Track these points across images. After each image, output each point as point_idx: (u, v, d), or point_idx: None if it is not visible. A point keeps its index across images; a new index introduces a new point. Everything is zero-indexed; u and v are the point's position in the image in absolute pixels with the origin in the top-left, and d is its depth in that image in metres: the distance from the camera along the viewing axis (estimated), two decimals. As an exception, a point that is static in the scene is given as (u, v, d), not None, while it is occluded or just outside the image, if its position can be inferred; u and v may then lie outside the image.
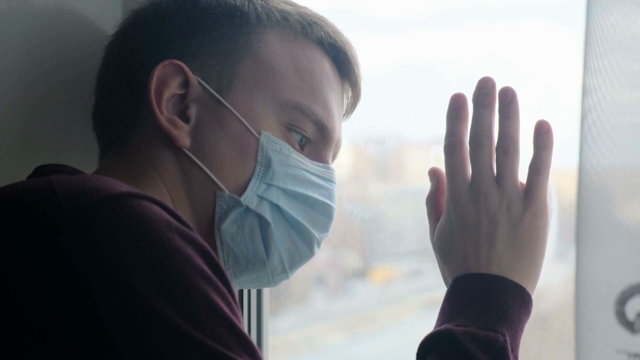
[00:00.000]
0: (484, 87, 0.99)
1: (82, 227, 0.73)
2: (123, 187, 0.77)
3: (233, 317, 0.75)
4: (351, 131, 1.10)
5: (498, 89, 0.99)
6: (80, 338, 0.71)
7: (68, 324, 0.71)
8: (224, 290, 0.76)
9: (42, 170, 0.92)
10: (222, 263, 0.97)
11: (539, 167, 0.97)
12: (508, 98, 0.98)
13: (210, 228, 0.96)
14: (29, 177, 0.93)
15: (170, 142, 0.96)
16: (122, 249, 0.73)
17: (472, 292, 0.93)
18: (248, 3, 0.99)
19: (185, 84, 0.96)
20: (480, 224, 0.95)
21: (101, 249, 0.73)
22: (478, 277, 0.94)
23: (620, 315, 1.08)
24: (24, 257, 0.73)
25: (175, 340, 0.71)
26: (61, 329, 0.71)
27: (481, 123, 0.98)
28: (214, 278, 0.75)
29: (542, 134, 0.98)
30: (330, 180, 1.01)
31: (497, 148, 0.97)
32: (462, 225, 0.96)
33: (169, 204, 0.92)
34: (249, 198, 0.95)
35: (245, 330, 0.76)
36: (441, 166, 1.01)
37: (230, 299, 0.76)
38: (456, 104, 1.00)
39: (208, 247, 0.77)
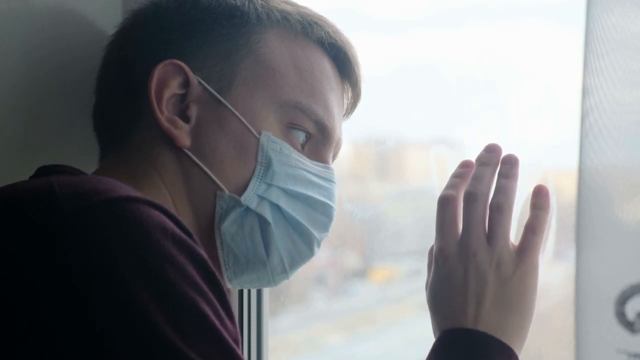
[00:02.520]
0: (490, 150, 0.99)
1: (79, 230, 0.73)
2: (122, 190, 0.77)
3: (222, 330, 0.74)
4: (351, 131, 1.10)
5: (498, 87, 0.99)
6: (71, 340, 0.71)
7: (60, 326, 0.71)
8: (215, 302, 0.76)
9: (44, 171, 0.92)
10: (222, 266, 0.97)
11: (535, 227, 0.96)
12: (511, 162, 0.98)
13: (210, 228, 0.96)
14: (30, 178, 0.93)
15: (170, 142, 0.96)
16: (116, 253, 0.73)
17: (458, 347, 0.93)
18: (248, 3, 0.99)
19: (186, 84, 0.96)
20: (468, 282, 0.94)
21: (96, 252, 0.73)
22: (465, 332, 0.93)
23: (620, 315, 1.08)
24: (22, 257, 0.73)
25: (159, 347, 0.71)
26: (53, 330, 0.71)
27: (480, 178, 0.97)
28: (205, 289, 0.75)
29: (542, 196, 0.98)
30: (330, 180, 1.01)
31: (490, 205, 0.96)
32: (450, 282, 0.95)
33: (170, 208, 0.92)
34: (249, 198, 0.95)
35: (232, 343, 0.75)
36: (441, 167, 1.01)
37: (222, 311, 0.76)
38: (463, 167, 1.00)
39: (204, 257, 0.77)
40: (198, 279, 0.75)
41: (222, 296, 0.77)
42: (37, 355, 0.71)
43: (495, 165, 0.98)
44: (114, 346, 0.71)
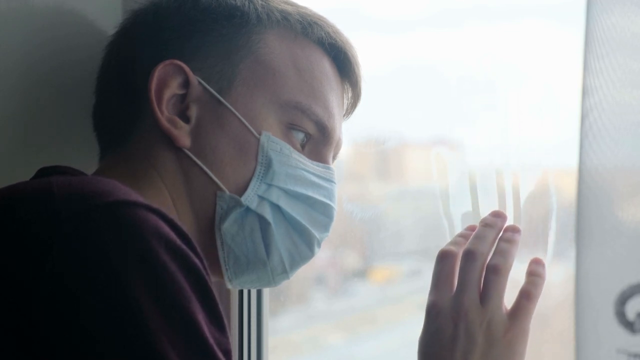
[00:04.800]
0: (496, 215, 1.00)
1: (76, 233, 0.73)
2: (121, 193, 0.77)
3: (209, 340, 0.74)
4: (351, 131, 1.10)
5: (498, 87, 0.99)
6: (63, 341, 0.71)
7: (54, 327, 0.71)
8: (204, 312, 0.75)
9: (45, 173, 0.92)
10: (223, 266, 0.97)
11: (530, 292, 0.96)
12: (514, 229, 0.99)
13: (210, 228, 0.96)
14: (31, 179, 0.93)
15: (170, 142, 0.96)
16: (111, 257, 0.73)
17: None
18: (248, 3, 0.99)
19: (186, 84, 0.96)
20: (457, 340, 0.93)
21: (91, 255, 0.73)
22: None
23: (620, 315, 1.08)
24: (19, 258, 0.73)
25: (143, 351, 0.71)
26: (47, 332, 0.71)
27: (481, 238, 0.97)
28: (194, 299, 0.75)
29: (539, 265, 0.98)
30: (330, 180, 1.01)
31: (488, 266, 0.96)
32: (440, 338, 0.94)
33: (170, 208, 0.92)
34: (249, 198, 0.95)
35: (219, 354, 0.75)
36: (441, 167, 1.01)
37: (211, 321, 0.76)
38: (470, 229, 1.01)
39: (197, 265, 0.77)
40: (188, 288, 0.75)
41: (212, 306, 0.77)
42: (28, 355, 0.71)
43: (499, 230, 0.99)
44: (105, 348, 0.71)
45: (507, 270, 0.96)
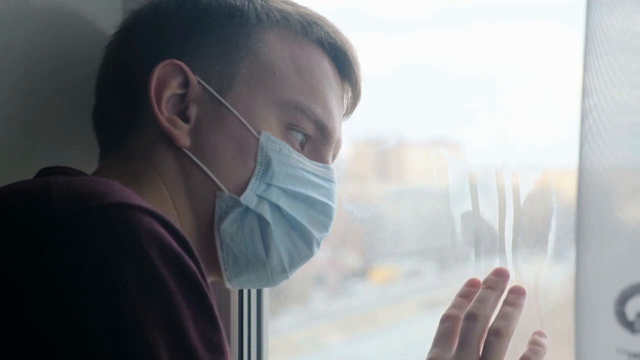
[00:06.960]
0: (498, 274, 1.01)
1: (72, 234, 0.74)
2: (118, 195, 0.77)
3: (196, 345, 0.74)
4: (351, 131, 1.10)
5: (498, 87, 0.99)
6: (57, 341, 0.71)
7: (46, 327, 0.71)
8: (196, 316, 0.75)
9: (46, 173, 0.92)
10: (222, 266, 0.97)
11: None
12: (519, 292, 0.99)
13: (210, 228, 0.96)
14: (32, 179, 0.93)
15: (170, 142, 0.96)
16: (104, 260, 0.73)
17: None
18: (248, 3, 0.99)
19: (185, 83, 0.96)
20: None
21: (85, 257, 0.73)
22: None
23: (620, 315, 1.08)
24: (15, 257, 0.74)
25: (136, 350, 0.71)
26: (40, 332, 0.71)
27: (484, 301, 0.98)
28: (183, 303, 0.75)
29: (543, 337, 0.99)
30: (330, 180, 1.01)
31: (490, 328, 0.96)
32: None
33: (170, 208, 0.92)
34: (248, 198, 0.95)
35: (209, 358, 0.75)
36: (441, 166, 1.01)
37: (205, 323, 0.76)
38: (470, 285, 1.02)
39: (191, 268, 0.76)
40: (178, 293, 0.75)
41: (206, 309, 0.76)
42: (29, 355, 0.71)
43: (501, 291, 1.00)
44: (99, 347, 0.71)
45: (509, 334, 0.96)
